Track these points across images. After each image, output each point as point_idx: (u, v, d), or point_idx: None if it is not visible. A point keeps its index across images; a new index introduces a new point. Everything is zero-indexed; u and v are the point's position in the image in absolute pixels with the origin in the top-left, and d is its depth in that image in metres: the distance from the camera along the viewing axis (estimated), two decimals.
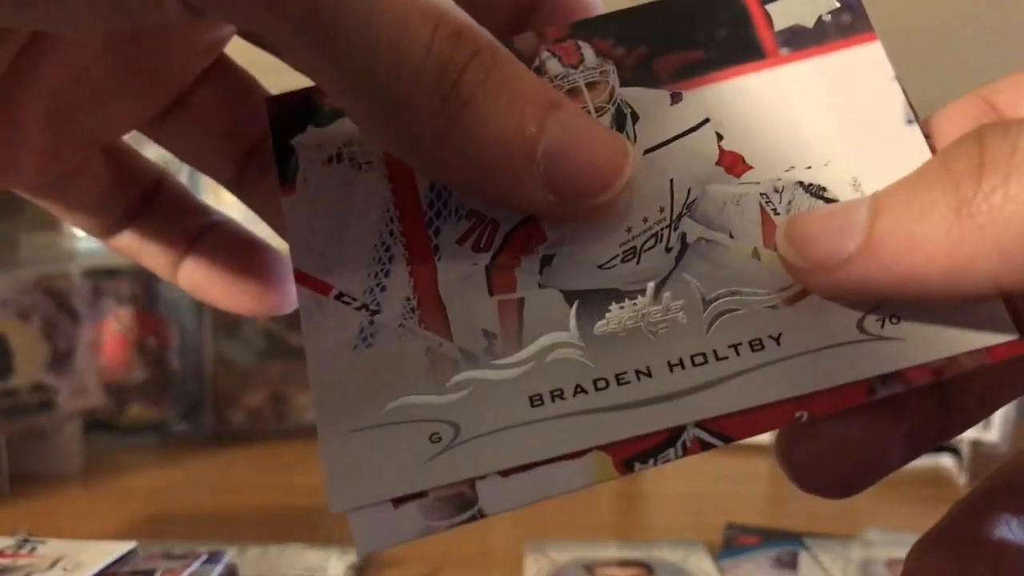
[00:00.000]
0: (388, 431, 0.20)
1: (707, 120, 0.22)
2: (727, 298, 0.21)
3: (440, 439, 0.20)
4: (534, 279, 0.22)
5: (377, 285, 0.22)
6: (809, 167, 0.22)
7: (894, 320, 0.20)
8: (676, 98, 0.23)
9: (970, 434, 0.72)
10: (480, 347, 0.21)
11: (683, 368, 0.20)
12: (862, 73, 0.22)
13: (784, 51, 0.23)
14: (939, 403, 0.22)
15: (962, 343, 0.20)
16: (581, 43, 0.23)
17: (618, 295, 0.21)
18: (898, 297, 0.19)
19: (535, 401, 0.20)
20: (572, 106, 0.20)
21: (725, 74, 0.23)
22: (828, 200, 0.21)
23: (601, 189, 0.20)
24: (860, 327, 0.20)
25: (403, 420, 0.21)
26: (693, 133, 0.22)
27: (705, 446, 0.20)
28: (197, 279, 0.27)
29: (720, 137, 0.22)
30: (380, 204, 0.22)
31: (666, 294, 0.21)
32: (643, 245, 0.21)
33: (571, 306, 0.21)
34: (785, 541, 0.58)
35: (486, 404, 0.21)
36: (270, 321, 0.81)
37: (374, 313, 0.22)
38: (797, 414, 0.20)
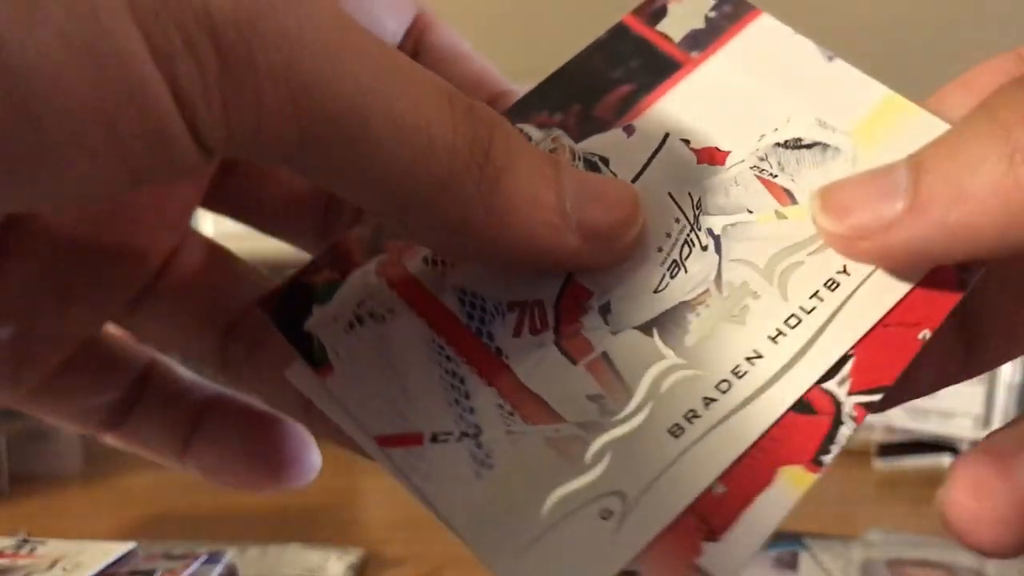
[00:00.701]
0: (560, 530, 0.19)
1: (667, 134, 0.23)
2: (781, 259, 0.21)
3: (612, 512, 0.19)
4: (604, 331, 0.21)
5: (463, 410, 0.21)
6: (776, 129, 0.23)
7: None
8: (629, 130, 0.24)
9: (970, 434, 0.74)
10: (595, 413, 0.20)
11: (784, 335, 0.21)
12: (767, 41, 0.24)
13: (694, 54, 0.24)
14: (963, 334, 0.22)
15: None
16: (521, 126, 0.24)
17: (687, 306, 0.21)
18: (951, 253, 0.18)
19: (675, 432, 0.20)
20: (566, 161, 0.21)
21: (657, 93, 0.24)
22: (809, 147, 0.23)
23: (628, 223, 0.21)
24: None
25: (567, 512, 0.19)
26: (662, 150, 0.23)
27: (868, 407, 0.20)
28: (207, 463, 0.26)
29: (687, 142, 0.23)
30: (422, 340, 0.22)
31: (727, 283, 0.21)
32: (681, 255, 0.22)
33: (653, 335, 0.21)
34: (785, 541, 0.58)
35: (634, 458, 0.20)
36: None
37: (476, 435, 0.21)
38: (920, 335, 0.20)
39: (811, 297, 0.21)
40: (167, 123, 0.16)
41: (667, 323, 0.21)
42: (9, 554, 0.44)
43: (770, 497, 0.19)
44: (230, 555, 0.47)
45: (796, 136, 0.23)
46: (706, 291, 0.21)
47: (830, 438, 0.19)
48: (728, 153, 0.23)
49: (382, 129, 0.17)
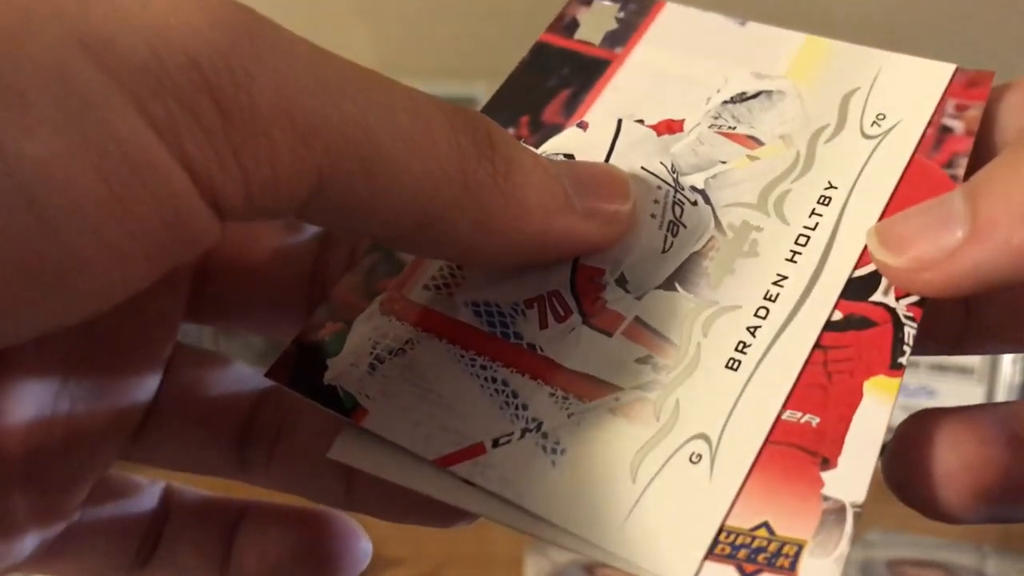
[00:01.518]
0: (655, 488, 0.19)
1: (620, 120, 0.24)
2: (770, 192, 0.22)
3: (700, 455, 0.19)
4: (629, 299, 0.21)
5: (516, 409, 0.20)
6: (718, 90, 0.24)
7: None
8: (583, 126, 0.24)
9: None
10: (648, 372, 0.20)
11: (800, 254, 0.21)
12: (680, 23, 0.26)
13: (618, 50, 0.26)
14: (963, 308, 0.22)
15: None
16: None
17: (699, 255, 0.22)
18: (1017, 274, 0.18)
19: (733, 365, 0.20)
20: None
21: (597, 90, 0.25)
22: (755, 96, 0.24)
23: (624, 199, 0.21)
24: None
25: (656, 469, 0.19)
26: (620, 134, 0.24)
27: (919, 304, 0.20)
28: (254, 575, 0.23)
29: (641, 121, 0.24)
30: (451, 359, 0.21)
31: (729, 225, 0.22)
32: (677, 215, 0.22)
33: (677, 289, 0.21)
34: None
35: (703, 400, 0.19)
36: None
37: (538, 427, 0.20)
38: None
39: (810, 216, 0.22)
40: (183, 198, 0.15)
41: (686, 275, 0.21)
42: None
43: (866, 411, 0.19)
44: None
45: (739, 91, 0.24)
46: (711, 238, 0.22)
47: (898, 341, 0.20)
48: (683, 120, 0.24)
49: (393, 146, 0.17)
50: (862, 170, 0.22)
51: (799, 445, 0.19)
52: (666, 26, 0.26)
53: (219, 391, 0.24)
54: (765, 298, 0.21)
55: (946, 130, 0.23)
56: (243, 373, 0.25)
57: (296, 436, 0.24)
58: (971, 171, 0.21)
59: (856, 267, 0.21)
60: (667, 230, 0.22)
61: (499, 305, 0.22)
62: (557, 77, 0.25)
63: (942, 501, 0.19)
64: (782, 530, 0.18)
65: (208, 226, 0.16)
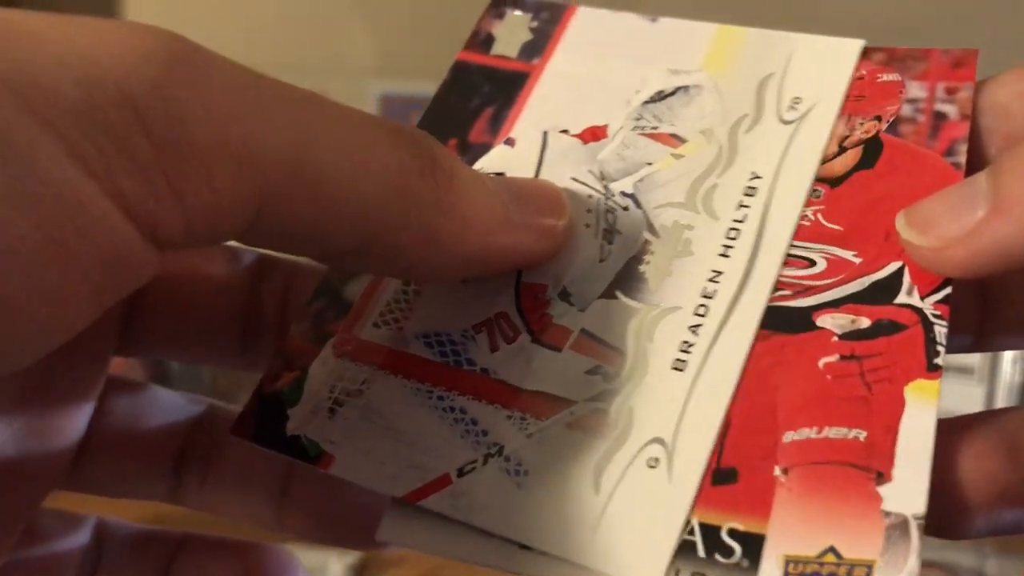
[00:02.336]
0: (618, 497, 0.19)
1: (545, 131, 0.25)
2: (697, 188, 0.23)
3: (657, 459, 0.19)
4: (573, 312, 0.22)
5: (477, 435, 0.21)
6: (637, 91, 0.25)
7: None
8: (510, 143, 0.25)
9: None
10: (599, 383, 0.21)
11: (732, 247, 0.22)
12: (593, 27, 0.26)
13: (535, 61, 0.26)
14: (980, 304, 0.22)
15: None
16: None
17: (635, 260, 0.22)
18: None
19: (679, 366, 0.20)
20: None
21: (519, 104, 0.25)
22: (673, 93, 0.24)
23: (560, 212, 0.22)
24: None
25: (617, 479, 0.19)
26: (547, 147, 0.24)
27: (946, 301, 0.20)
28: None
29: (566, 131, 0.24)
30: (408, 394, 0.22)
31: (661, 227, 0.22)
32: (611, 223, 0.23)
33: (618, 297, 0.22)
34: None
35: (654, 404, 0.20)
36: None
37: (500, 451, 0.20)
38: None
39: (738, 208, 0.22)
40: (120, 235, 0.15)
41: (625, 281, 0.22)
42: None
43: (911, 417, 0.19)
44: None
45: (658, 90, 0.25)
46: (646, 241, 0.22)
47: (931, 342, 0.19)
48: (606, 126, 0.24)
49: (334, 167, 0.17)
50: (783, 157, 0.23)
51: (850, 462, 0.18)
52: (580, 31, 0.26)
53: (152, 421, 0.25)
54: (703, 296, 0.21)
55: (940, 116, 0.22)
56: (175, 401, 0.26)
57: (227, 461, 0.24)
58: (971, 156, 0.21)
59: (785, 264, 0.21)
60: (603, 239, 0.23)
61: (449, 334, 0.22)
62: (479, 96, 0.26)
63: (942, 519, 0.19)
64: (849, 553, 0.17)
65: (147, 259, 0.16)
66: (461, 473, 0.20)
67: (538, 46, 0.26)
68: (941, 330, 0.19)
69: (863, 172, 0.22)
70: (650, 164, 0.23)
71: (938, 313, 0.20)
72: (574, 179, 0.24)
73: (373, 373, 0.22)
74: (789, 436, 0.19)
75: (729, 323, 0.21)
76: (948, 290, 0.20)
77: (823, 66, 0.24)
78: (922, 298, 0.20)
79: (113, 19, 0.16)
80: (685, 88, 0.24)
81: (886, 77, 0.23)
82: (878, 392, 0.19)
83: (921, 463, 0.18)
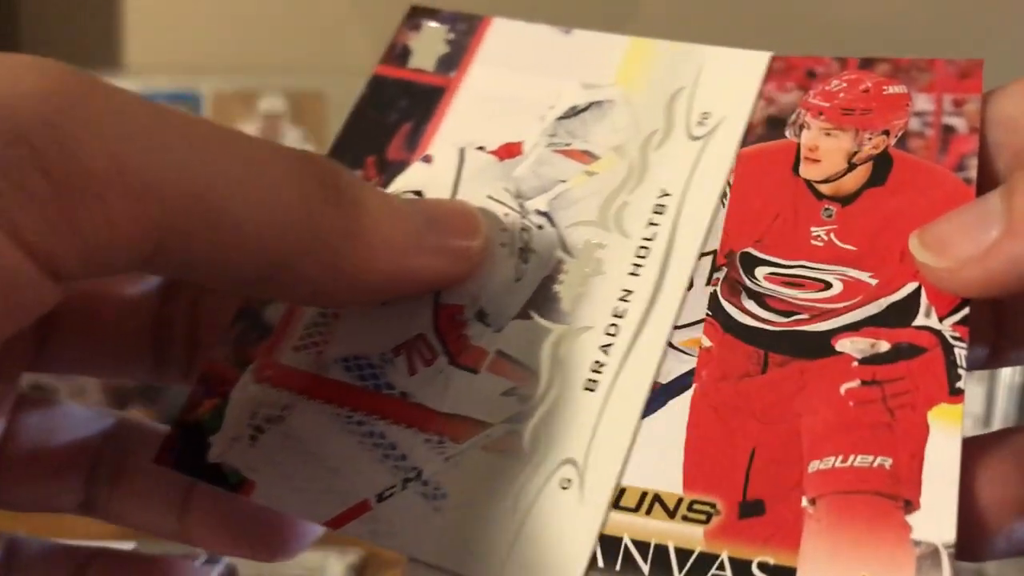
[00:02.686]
0: (532, 519, 0.20)
1: (462, 149, 0.25)
2: (608, 207, 0.23)
3: (570, 479, 0.20)
4: (489, 333, 0.22)
5: (396, 460, 0.21)
6: (552, 106, 0.25)
7: None
8: (428, 160, 0.25)
9: (969, 434, 0.72)
10: (514, 404, 0.21)
11: (641, 266, 0.22)
12: (508, 39, 0.26)
13: (452, 75, 0.26)
14: (994, 320, 0.22)
15: None
16: None
17: (549, 280, 0.23)
18: None
19: (590, 386, 0.21)
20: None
21: (436, 120, 0.25)
22: (586, 108, 0.25)
23: (475, 233, 0.22)
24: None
25: (531, 500, 0.20)
26: (464, 164, 0.25)
27: (964, 322, 0.20)
28: None
29: (482, 148, 0.25)
30: (328, 419, 0.22)
31: (573, 246, 0.23)
32: (526, 242, 0.23)
33: (533, 317, 0.22)
34: None
35: (567, 425, 0.21)
36: None
37: (418, 476, 0.21)
38: None
39: (647, 226, 0.23)
40: (16, 271, 0.15)
41: (539, 301, 0.22)
42: None
43: (936, 444, 0.18)
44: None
45: (571, 105, 0.25)
46: (560, 261, 0.23)
47: (952, 365, 0.19)
48: (521, 143, 0.25)
49: (234, 198, 0.17)
50: (692, 174, 0.23)
51: (877, 491, 0.18)
52: (496, 43, 0.26)
53: (63, 436, 0.25)
54: (614, 315, 0.22)
55: (949, 129, 0.22)
56: (86, 415, 0.26)
57: (134, 474, 0.24)
58: (981, 171, 0.21)
59: (802, 286, 0.21)
60: (518, 258, 0.23)
61: (368, 357, 0.22)
62: (396, 111, 0.26)
63: (961, 541, 0.18)
64: None
65: (45, 292, 0.16)
66: (380, 498, 0.21)
67: (455, 59, 0.26)
68: (961, 352, 0.19)
69: (874, 189, 0.22)
70: (563, 182, 0.24)
71: (957, 335, 0.19)
72: (490, 197, 0.24)
73: (294, 399, 0.22)
74: (815, 465, 0.19)
75: (638, 342, 0.21)
76: (966, 311, 0.19)
77: (731, 80, 0.24)
78: (940, 319, 0.20)
79: (7, 54, 0.16)
80: (598, 103, 0.25)
81: (892, 89, 0.23)
82: (901, 418, 0.19)
83: (948, 490, 0.18)
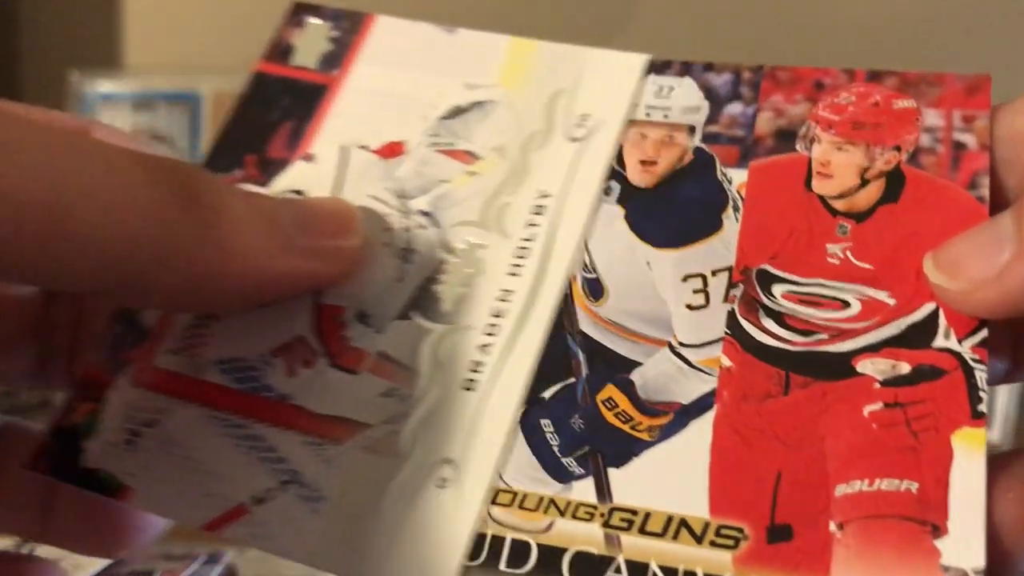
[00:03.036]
0: (409, 518, 0.20)
1: (344, 148, 0.25)
2: (489, 207, 0.23)
3: (447, 479, 0.20)
4: (370, 334, 0.22)
5: (274, 463, 0.21)
6: (435, 106, 0.25)
7: None
8: (309, 158, 0.25)
9: None
10: (394, 405, 0.21)
11: (521, 266, 0.23)
12: (392, 37, 0.26)
13: (334, 72, 0.26)
14: (1013, 336, 0.22)
15: None
16: None
17: (431, 280, 0.23)
18: None
19: (469, 386, 0.21)
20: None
21: (318, 118, 0.25)
22: (469, 109, 0.25)
23: (350, 231, 0.22)
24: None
25: (408, 500, 0.20)
26: (346, 162, 0.25)
27: (983, 344, 0.20)
28: None
29: (365, 147, 0.25)
30: (205, 422, 0.22)
31: (455, 247, 0.23)
32: (408, 242, 0.23)
33: (413, 317, 0.22)
34: None
35: (445, 425, 0.21)
36: None
37: (296, 478, 0.21)
38: None
39: (527, 227, 0.23)
40: None
41: (421, 301, 0.22)
42: None
43: (961, 467, 0.18)
44: (230, 555, 0.46)
45: (454, 105, 0.25)
46: (442, 261, 0.23)
47: (973, 388, 0.19)
48: (404, 142, 0.25)
49: (84, 207, 0.17)
50: (571, 175, 0.23)
51: (905, 516, 0.18)
52: (379, 41, 0.26)
53: None
54: (493, 315, 0.22)
55: (959, 146, 0.22)
56: None
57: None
58: (992, 188, 0.21)
59: (820, 305, 0.21)
60: (400, 258, 0.23)
61: (246, 359, 0.22)
62: (278, 109, 0.26)
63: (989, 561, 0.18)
64: None
65: None
66: (259, 501, 0.21)
67: (337, 57, 0.26)
68: (982, 375, 0.19)
69: (888, 206, 0.21)
70: (446, 182, 0.24)
71: (977, 357, 0.19)
72: (373, 197, 0.24)
73: (170, 402, 0.22)
74: (841, 489, 0.18)
75: (517, 343, 0.22)
76: (985, 333, 0.20)
77: (609, 82, 0.25)
78: (960, 341, 0.20)
79: None
80: (481, 104, 0.25)
81: (901, 104, 0.23)
82: (925, 441, 0.19)
83: (975, 515, 0.18)
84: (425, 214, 0.24)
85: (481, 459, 0.20)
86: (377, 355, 0.22)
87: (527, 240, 0.23)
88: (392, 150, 0.25)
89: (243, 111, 0.26)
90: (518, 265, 0.23)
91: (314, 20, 0.27)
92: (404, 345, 0.22)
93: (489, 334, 0.22)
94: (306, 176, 0.24)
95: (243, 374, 0.22)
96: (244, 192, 0.21)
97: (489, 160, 0.24)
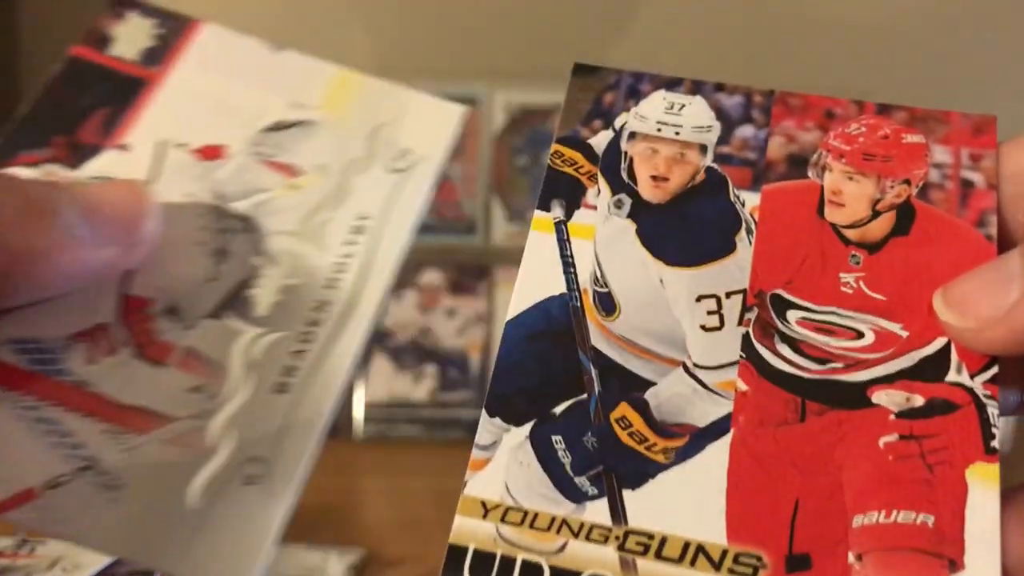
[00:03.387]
0: (214, 511, 0.20)
1: (162, 143, 0.25)
2: (309, 221, 0.24)
3: (255, 476, 0.21)
4: (179, 329, 0.22)
5: (69, 448, 0.20)
6: (258, 118, 0.26)
7: None
8: (124, 148, 0.24)
9: None
10: (201, 401, 0.21)
11: (339, 279, 0.24)
12: (218, 45, 0.27)
13: (155, 68, 0.26)
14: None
15: None
16: (5, 171, 0.23)
17: (247, 283, 0.23)
18: None
19: (281, 389, 0.22)
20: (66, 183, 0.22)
21: (135, 110, 0.25)
22: (291, 126, 0.26)
23: (140, 217, 0.22)
24: None
25: (214, 494, 0.20)
26: (161, 157, 0.24)
27: (995, 380, 0.20)
28: None
29: (184, 145, 0.25)
30: (12, 415, 0.21)
31: (273, 254, 0.24)
32: (223, 244, 0.23)
33: (225, 318, 0.22)
34: None
35: (255, 425, 0.21)
36: None
37: (93, 466, 0.20)
38: None
39: (346, 244, 0.24)
40: None
41: (235, 303, 0.23)
42: (9, 554, 0.41)
43: (976, 503, 0.19)
44: None
45: (278, 120, 0.26)
46: (258, 266, 0.23)
47: (985, 424, 0.19)
48: (225, 146, 0.25)
49: None
50: (390, 203, 0.25)
51: (922, 549, 0.18)
52: (205, 48, 0.27)
53: None
54: (309, 324, 0.23)
55: (968, 184, 0.22)
56: None
57: None
58: (1000, 223, 0.22)
59: (834, 334, 0.21)
60: (214, 259, 0.23)
61: (43, 341, 0.21)
62: (92, 95, 0.25)
63: None
64: None
65: None
66: (50, 486, 0.20)
67: (159, 54, 0.26)
68: (993, 411, 0.20)
69: (899, 239, 0.22)
70: (267, 191, 0.25)
71: (988, 394, 0.20)
72: (189, 195, 0.24)
73: None
74: (859, 520, 0.19)
75: (333, 351, 0.22)
76: (996, 369, 0.20)
77: (430, 125, 0.26)
78: (972, 376, 0.20)
79: None
80: (304, 123, 0.26)
81: (911, 139, 0.23)
82: (940, 475, 0.19)
83: (991, 550, 0.18)
84: (244, 219, 0.24)
85: (291, 460, 0.21)
86: (186, 350, 0.22)
87: (346, 256, 0.24)
88: (211, 153, 0.25)
89: (54, 92, 0.25)
90: (336, 279, 0.23)
91: (135, 15, 0.27)
92: (215, 343, 0.22)
93: (304, 341, 0.22)
94: (118, 165, 0.24)
95: (39, 355, 0.21)
96: (16, 188, 0.20)
97: (311, 176, 0.25)
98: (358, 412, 0.66)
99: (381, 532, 0.61)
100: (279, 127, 0.26)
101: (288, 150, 0.25)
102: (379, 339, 0.67)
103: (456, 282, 0.72)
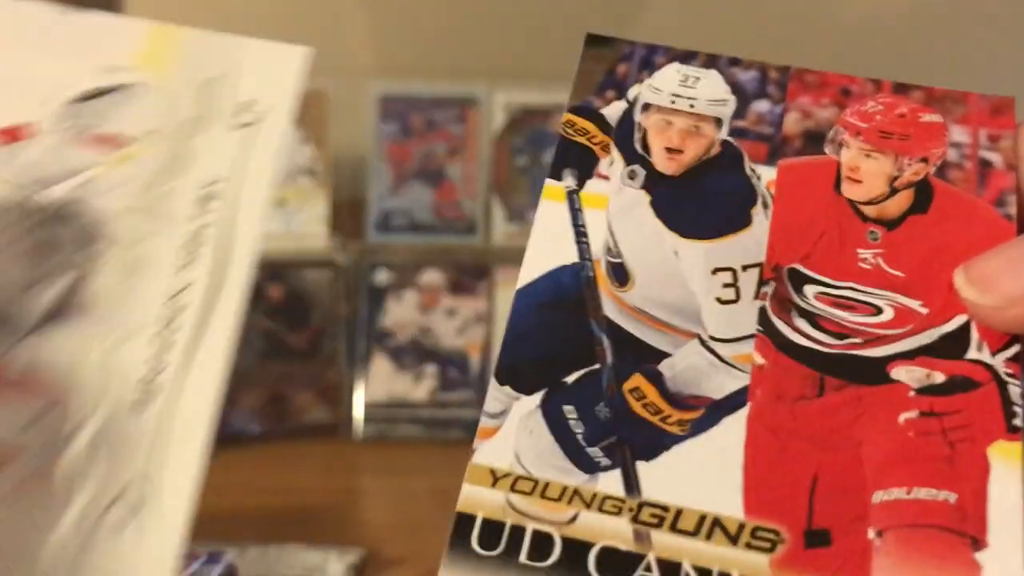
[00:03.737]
0: (90, 550, 0.17)
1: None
2: (149, 193, 0.20)
3: (132, 505, 0.17)
4: (5, 344, 0.18)
5: None
6: (65, 88, 0.22)
7: None
8: None
9: None
10: (52, 430, 0.18)
11: (200, 254, 0.20)
12: (3, 17, 0.23)
13: None
14: None
15: None
16: None
17: (86, 278, 0.19)
18: None
19: (140, 407, 0.18)
20: None
21: None
22: (110, 91, 0.22)
23: None
24: None
25: (87, 533, 0.17)
26: None
27: (1016, 359, 0.20)
28: None
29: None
30: None
31: (115, 237, 0.20)
32: (44, 237, 0.20)
33: (68, 324, 0.19)
34: None
35: (118, 451, 0.18)
36: (270, 322, 0.68)
37: None
38: None
39: (195, 214, 0.20)
40: None
41: (76, 302, 0.19)
42: None
43: (999, 481, 0.18)
44: (230, 555, 0.44)
45: (93, 87, 0.22)
46: (95, 256, 0.20)
47: (1007, 402, 0.19)
48: (32, 124, 0.21)
49: None
50: (241, 161, 0.21)
51: (944, 526, 0.18)
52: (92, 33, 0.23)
53: None
54: (169, 312, 0.19)
55: (986, 164, 0.22)
56: None
57: None
58: (1019, 203, 0.21)
59: (853, 309, 0.20)
60: (33, 256, 0.19)
61: None
62: None
63: None
64: None
65: None
66: None
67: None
68: (1015, 390, 0.19)
69: (918, 216, 0.21)
70: (90, 168, 0.21)
71: (1010, 372, 0.19)
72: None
73: None
74: (879, 496, 0.18)
75: (204, 338, 0.19)
76: (1017, 348, 0.19)
77: (271, 72, 0.23)
78: (992, 354, 0.19)
79: None
80: (122, 87, 0.22)
81: (928, 118, 0.23)
82: (961, 452, 0.19)
83: (1015, 529, 0.17)
84: (68, 204, 0.20)
85: (177, 474, 0.18)
86: (20, 371, 0.18)
87: (202, 227, 0.20)
88: (14, 134, 0.21)
89: None
90: (192, 254, 0.20)
91: None
92: (56, 356, 0.18)
93: (172, 328, 0.19)
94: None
95: None
96: None
97: (142, 145, 0.21)
98: (358, 412, 0.65)
99: (381, 532, 0.60)
100: (92, 95, 0.22)
101: (109, 119, 0.21)
102: (379, 339, 0.66)
103: (456, 282, 0.71)
